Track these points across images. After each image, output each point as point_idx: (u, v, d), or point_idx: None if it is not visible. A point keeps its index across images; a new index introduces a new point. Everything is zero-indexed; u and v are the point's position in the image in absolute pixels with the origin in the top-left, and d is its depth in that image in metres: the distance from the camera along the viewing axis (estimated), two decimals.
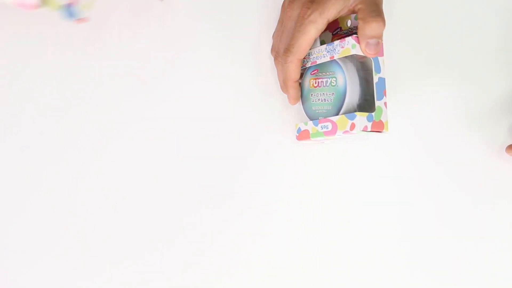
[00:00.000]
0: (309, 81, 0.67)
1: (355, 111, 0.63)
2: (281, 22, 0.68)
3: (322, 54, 0.65)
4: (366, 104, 0.64)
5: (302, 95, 0.68)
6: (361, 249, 0.67)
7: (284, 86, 0.68)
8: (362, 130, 0.61)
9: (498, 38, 0.69)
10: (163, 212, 0.68)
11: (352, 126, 0.62)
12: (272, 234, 0.69)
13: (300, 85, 0.68)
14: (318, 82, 0.66)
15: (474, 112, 0.70)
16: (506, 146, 0.68)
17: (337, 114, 0.64)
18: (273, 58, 0.70)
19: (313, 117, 0.66)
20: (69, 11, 0.60)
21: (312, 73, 0.67)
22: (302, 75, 0.68)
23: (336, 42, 0.64)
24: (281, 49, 0.66)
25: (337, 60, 0.64)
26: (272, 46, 0.69)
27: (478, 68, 0.70)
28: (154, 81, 0.69)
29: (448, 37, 0.70)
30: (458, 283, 0.67)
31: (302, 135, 0.67)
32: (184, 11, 0.70)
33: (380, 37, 0.61)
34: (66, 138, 0.68)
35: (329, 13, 0.62)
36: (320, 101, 0.66)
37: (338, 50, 0.64)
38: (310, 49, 0.66)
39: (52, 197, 0.67)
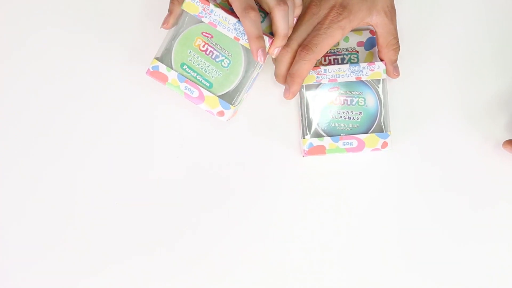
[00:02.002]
0: (327, 97, 0.68)
1: (382, 130, 0.68)
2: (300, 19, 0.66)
3: (344, 73, 0.68)
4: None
5: (315, 110, 0.68)
6: (360, 250, 0.71)
7: (287, 78, 0.66)
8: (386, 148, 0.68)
9: (493, 35, 0.73)
10: (164, 212, 0.70)
11: (384, 145, 0.68)
12: (272, 237, 0.70)
13: (304, 98, 0.69)
14: (341, 100, 0.68)
15: (470, 109, 0.72)
16: (503, 141, 0.70)
17: (365, 133, 0.68)
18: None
19: (331, 133, 0.68)
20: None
21: (331, 89, 0.68)
22: (305, 86, 0.69)
23: (363, 64, 0.68)
24: (296, 41, 0.65)
25: (365, 82, 0.68)
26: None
27: (473, 65, 0.73)
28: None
29: (444, 34, 0.73)
30: (457, 283, 0.71)
31: (314, 150, 0.68)
32: None
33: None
34: (67, 138, 0.71)
35: (355, 24, 0.66)
36: (342, 118, 0.68)
37: (367, 72, 0.68)
38: (330, 64, 0.69)
39: (52, 197, 0.70)
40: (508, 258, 0.71)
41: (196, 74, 0.66)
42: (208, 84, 0.66)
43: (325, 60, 0.71)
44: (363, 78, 0.68)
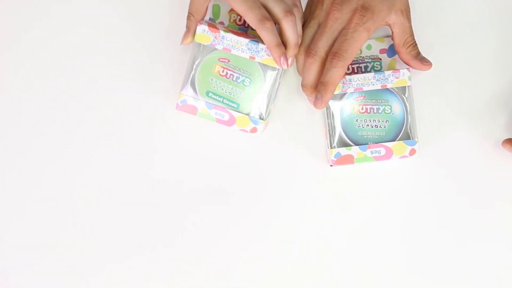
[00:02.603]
0: (352, 106, 0.68)
1: (409, 137, 0.68)
2: (314, 18, 0.67)
3: (369, 81, 0.68)
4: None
5: (341, 119, 0.68)
6: (358, 249, 0.71)
7: (319, 87, 0.65)
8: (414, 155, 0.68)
9: (493, 34, 0.73)
10: (164, 212, 0.70)
11: (412, 152, 0.68)
12: (272, 237, 0.71)
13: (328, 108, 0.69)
14: (367, 108, 0.68)
15: (470, 108, 0.72)
16: (502, 140, 0.70)
17: (392, 140, 0.68)
18: (299, 55, 0.67)
19: (358, 142, 0.68)
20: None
21: (356, 98, 0.68)
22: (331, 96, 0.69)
23: (388, 72, 0.68)
24: (323, 49, 0.65)
25: (391, 89, 0.68)
26: (303, 41, 0.67)
27: (473, 64, 0.73)
28: (159, 82, 0.71)
29: (445, 34, 0.73)
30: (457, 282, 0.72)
31: (343, 160, 0.68)
32: None
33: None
34: (67, 139, 0.71)
35: (378, 24, 0.66)
36: (369, 127, 0.68)
37: (392, 80, 0.68)
38: (353, 73, 0.68)
39: (52, 197, 0.70)
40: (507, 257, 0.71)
41: (222, 98, 0.67)
42: (235, 105, 0.67)
43: (348, 69, 0.71)
44: (389, 86, 0.68)
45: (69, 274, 0.70)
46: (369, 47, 0.71)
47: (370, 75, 0.68)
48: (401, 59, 0.69)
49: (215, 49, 0.67)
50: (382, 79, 0.68)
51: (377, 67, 0.71)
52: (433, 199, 0.71)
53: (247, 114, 0.68)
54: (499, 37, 0.72)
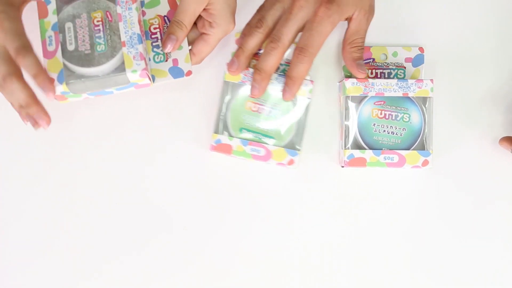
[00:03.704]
0: (371, 110, 0.68)
1: (423, 148, 0.69)
2: (280, 2, 0.66)
3: (392, 87, 0.68)
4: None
5: (358, 121, 0.68)
6: (362, 251, 0.71)
7: (287, 80, 0.66)
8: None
9: (490, 32, 0.73)
10: (164, 211, 0.70)
11: (425, 163, 0.68)
12: (277, 237, 0.70)
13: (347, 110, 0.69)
14: (385, 114, 0.68)
15: (468, 106, 0.72)
16: (500, 138, 0.70)
17: (406, 149, 0.68)
18: (253, 34, 0.66)
19: (372, 146, 0.68)
20: (175, 70, 0.65)
21: (376, 103, 0.68)
22: (347, 98, 0.69)
23: (412, 81, 0.68)
24: (287, 36, 0.65)
25: (412, 98, 0.68)
26: (262, 20, 0.66)
27: (471, 62, 0.72)
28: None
29: (442, 31, 0.73)
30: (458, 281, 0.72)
31: (355, 162, 0.68)
32: None
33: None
34: (66, 138, 0.70)
35: (343, 17, 0.65)
36: (386, 132, 0.68)
37: (414, 89, 0.68)
38: (376, 78, 0.69)
39: (52, 197, 0.70)
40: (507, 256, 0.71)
41: (256, 133, 0.68)
42: (271, 140, 0.69)
43: (371, 73, 0.71)
44: (410, 95, 0.68)
45: (69, 274, 0.70)
46: (395, 54, 0.71)
47: (393, 81, 0.68)
48: (342, 55, 0.68)
49: (245, 85, 0.68)
50: (404, 87, 0.68)
51: (400, 75, 0.71)
52: (440, 210, 0.71)
53: (283, 147, 0.68)
54: (494, 33, 0.72)
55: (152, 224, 0.70)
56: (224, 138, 0.68)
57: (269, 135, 0.68)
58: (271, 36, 0.65)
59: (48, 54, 0.63)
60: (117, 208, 0.70)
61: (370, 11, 0.66)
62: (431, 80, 0.68)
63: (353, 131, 0.69)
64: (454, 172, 0.71)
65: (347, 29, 0.67)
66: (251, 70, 0.68)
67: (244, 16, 0.69)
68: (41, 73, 0.59)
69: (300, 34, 0.66)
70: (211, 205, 0.70)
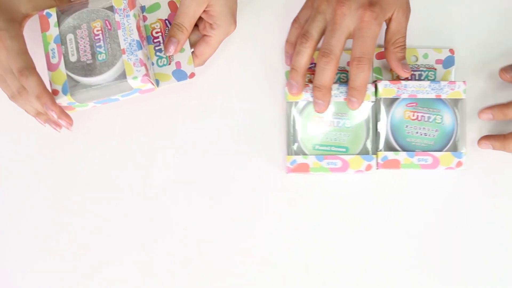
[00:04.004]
0: (404, 112, 0.69)
1: (456, 149, 0.69)
2: (320, 13, 0.65)
3: (424, 89, 0.68)
4: None
5: (390, 123, 0.69)
6: (355, 244, 0.72)
7: (352, 92, 0.65)
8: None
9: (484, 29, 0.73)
10: (164, 211, 0.70)
11: (459, 164, 0.68)
12: (271, 236, 0.71)
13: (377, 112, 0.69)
14: (418, 115, 0.69)
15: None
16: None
17: (439, 150, 0.68)
18: (306, 49, 0.65)
19: (405, 148, 0.69)
20: (179, 73, 0.67)
21: (409, 105, 0.69)
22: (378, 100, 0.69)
23: (444, 83, 0.68)
24: (337, 47, 0.64)
25: (444, 100, 0.69)
26: (307, 34, 0.65)
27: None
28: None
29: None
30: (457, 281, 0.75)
31: (389, 164, 0.68)
32: None
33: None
34: (66, 138, 0.70)
35: (387, 16, 0.65)
36: (418, 134, 0.69)
37: (447, 91, 0.68)
38: (403, 79, 0.70)
39: (53, 197, 0.70)
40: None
41: (329, 147, 0.68)
42: (344, 150, 0.68)
43: None
44: (443, 97, 0.68)
45: (69, 274, 0.70)
46: (425, 56, 0.71)
47: (426, 83, 0.68)
48: (385, 56, 0.68)
49: (308, 102, 0.69)
50: (437, 89, 0.68)
51: (431, 77, 0.71)
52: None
53: (358, 154, 0.68)
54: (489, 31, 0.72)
55: (152, 224, 0.70)
56: (300, 158, 0.68)
57: (342, 146, 0.68)
58: (322, 50, 0.64)
59: (51, 67, 0.64)
60: (117, 208, 0.71)
61: (407, 8, 0.66)
62: (464, 82, 0.68)
63: (383, 133, 0.69)
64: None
65: (387, 29, 0.67)
66: (310, 85, 0.68)
67: (246, 16, 0.70)
68: (43, 94, 0.61)
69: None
70: (211, 206, 0.71)
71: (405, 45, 0.67)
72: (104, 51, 0.63)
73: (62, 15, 0.65)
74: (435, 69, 0.71)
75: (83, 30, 0.64)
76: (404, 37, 0.67)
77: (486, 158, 0.71)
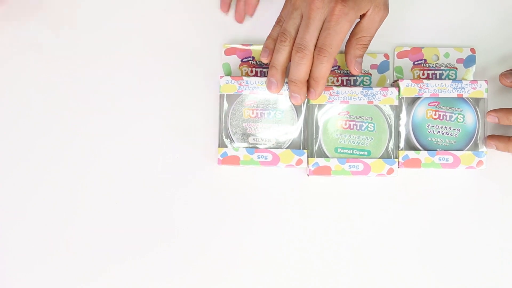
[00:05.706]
0: (426, 111, 0.69)
1: (477, 148, 0.69)
2: (296, 9, 0.65)
3: (446, 89, 0.68)
4: None
5: (412, 122, 0.69)
6: (355, 242, 0.72)
7: (311, 82, 0.66)
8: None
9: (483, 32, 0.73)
10: (164, 211, 0.71)
11: (480, 163, 0.68)
12: (271, 236, 0.71)
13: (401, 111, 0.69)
14: (440, 115, 0.69)
15: None
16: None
17: (460, 149, 0.68)
18: (285, 47, 0.66)
19: (427, 147, 0.69)
20: None
21: (430, 104, 0.69)
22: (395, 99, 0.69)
23: (466, 82, 0.68)
24: (312, 42, 0.64)
25: (466, 99, 0.69)
26: (285, 33, 0.66)
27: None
28: (157, 81, 0.72)
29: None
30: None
31: (410, 163, 0.69)
32: None
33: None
34: (66, 138, 0.71)
35: (359, 13, 0.65)
36: (440, 133, 0.69)
37: (469, 90, 0.68)
38: (428, 79, 0.69)
39: (53, 197, 0.71)
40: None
41: (352, 150, 0.68)
42: (366, 153, 0.69)
43: (423, 74, 0.71)
44: (465, 96, 0.68)
45: (68, 274, 0.70)
46: (446, 55, 0.71)
47: (448, 82, 0.68)
48: (345, 47, 0.68)
49: (331, 107, 0.69)
50: (459, 88, 0.68)
51: (452, 76, 0.71)
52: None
53: (380, 158, 0.68)
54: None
55: (152, 225, 0.71)
56: (322, 161, 0.68)
57: (364, 149, 0.69)
58: (296, 46, 0.65)
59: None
60: (118, 209, 0.71)
61: (384, 8, 0.65)
62: (486, 81, 0.68)
63: (404, 132, 0.69)
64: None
65: (357, 23, 0.66)
66: (334, 88, 0.68)
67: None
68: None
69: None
70: (211, 206, 0.71)
71: (367, 45, 0.67)
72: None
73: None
74: (456, 68, 0.71)
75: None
76: (371, 37, 0.66)
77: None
